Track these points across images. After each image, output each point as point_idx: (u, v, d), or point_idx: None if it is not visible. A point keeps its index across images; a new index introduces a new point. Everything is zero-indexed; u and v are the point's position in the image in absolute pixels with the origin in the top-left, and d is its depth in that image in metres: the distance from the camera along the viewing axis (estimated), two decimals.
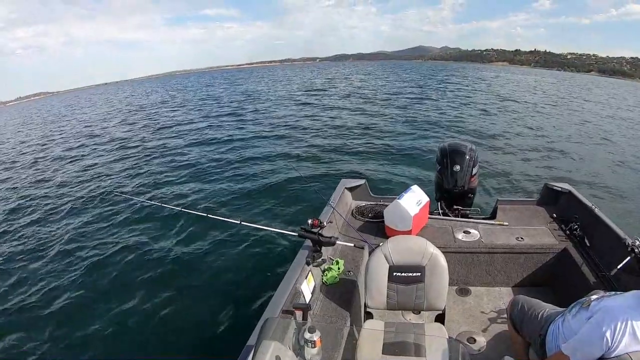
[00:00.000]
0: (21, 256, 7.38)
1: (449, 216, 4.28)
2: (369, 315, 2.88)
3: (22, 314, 5.57)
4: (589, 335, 1.92)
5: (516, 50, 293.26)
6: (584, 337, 1.94)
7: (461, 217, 4.25)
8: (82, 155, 16.18)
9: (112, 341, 4.75)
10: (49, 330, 5.04)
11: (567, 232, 3.71)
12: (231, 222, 3.64)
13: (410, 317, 3.43)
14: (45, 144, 20.76)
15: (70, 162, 15.38)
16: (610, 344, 1.83)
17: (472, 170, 4.26)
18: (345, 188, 4.69)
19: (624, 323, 1.81)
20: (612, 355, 1.84)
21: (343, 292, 3.04)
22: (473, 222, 4.11)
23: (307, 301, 2.83)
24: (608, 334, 1.82)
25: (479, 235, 3.83)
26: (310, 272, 3.03)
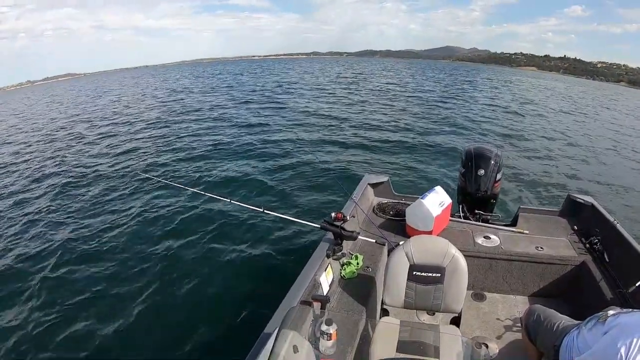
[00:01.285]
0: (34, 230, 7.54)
1: (470, 220, 4.25)
2: (385, 312, 2.90)
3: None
4: (603, 351, 1.89)
5: (545, 55, 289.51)
6: (599, 352, 1.91)
7: (482, 221, 4.22)
8: (110, 135, 16.38)
9: (129, 323, 4.80)
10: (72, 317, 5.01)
11: (587, 245, 3.67)
12: (254, 209, 3.68)
13: (425, 318, 3.43)
14: (72, 123, 21.11)
15: (98, 140, 15.59)
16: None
17: (496, 175, 4.22)
18: (369, 184, 4.70)
19: (639, 340, 1.77)
20: None
21: (360, 288, 3.05)
22: (494, 227, 4.10)
23: (325, 293, 2.86)
24: (623, 350, 1.78)
25: (498, 242, 3.82)
26: (329, 265, 3.06)
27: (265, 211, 3.60)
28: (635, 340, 1.75)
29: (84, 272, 5.94)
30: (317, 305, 2.55)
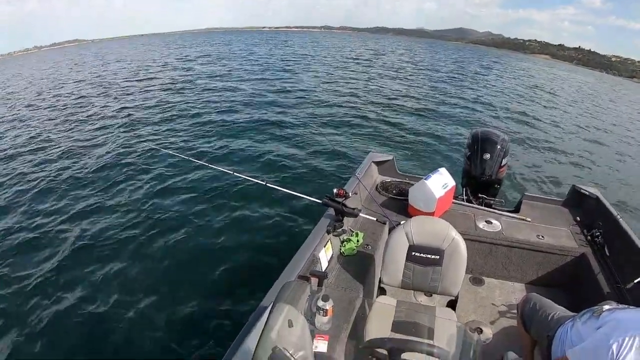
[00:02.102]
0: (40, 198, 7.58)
1: (473, 203, 4.23)
2: (382, 291, 2.91)
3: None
4: (595, 345, 1.89)
5: (560, 44, 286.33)
6: (590, 346, 1.91)
7: (485, 206, 4.20)
8: (119, 105, 16.26)
9: (134, 293, 4.84)
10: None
11: (589, 237, 3.65)
12: (256, 182, 3.67)
13: (422, 299, 3.44)
14: (80, 89, 21.09)
15: (107, 109, 15.53)
16: (615, 357, 1.78)
17: (501, 160, 4.19)
18: (373, 162, 4.67)
19: (632, 338, 1.76)
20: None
21: (359, 265, 3.05)
22: (496, 212, 4.07)
23: (324, 269, 2.86)
24: (614, 347, 1.78)
25: (500, 227, 3.80)
26: (329, 241, 3.05)
27: (267, 184, 3.59)
28: (627, 338, 1.74)
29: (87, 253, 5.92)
30: (314, 280, 2.55)
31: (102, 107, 15.81)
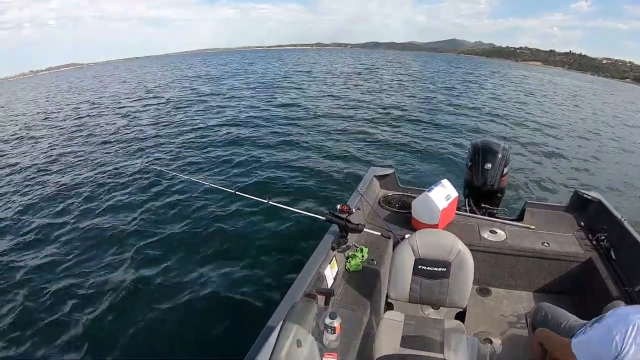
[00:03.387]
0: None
1: (476, 214, 4.22)
2: (389, 306, 2.88)
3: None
4: (599, 337, 1.87)
5: (550, 50, 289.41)
6: (594, 338, 1.89)
7: (488, 216, 4.20)
8: (115, 125, 16.35)
9: (126, 317, 4.79)
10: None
11: (594, 242, 3.63)
12: (259, 200, 3.65)
13: (429, 312, 3.41)
14: (76, 112, 21.11)
15: (103, 130, 15.61)
16: (619, 348, 1.76)
17: (503, 169, 4.19)
18: (374, 176, 4.66)
19: (635, 328, 1.74)
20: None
21: (365, 281, 3.03)
22: (500, 222, 4.06)
23: (330, 286, 2.84)
24: (618, 338, 1.76)
25: (505, 236, 3.78)
26: (334, 258, 3.03)
27: (270, 202, 3.57)
28: (630, 328, 1.73)
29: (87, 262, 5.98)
30: (321, 298, 2.53)
31: (104, 127, 15.97)
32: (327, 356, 2.09)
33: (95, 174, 10.05)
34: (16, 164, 11.67)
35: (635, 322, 1.73)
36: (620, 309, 1.90)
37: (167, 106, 20.29)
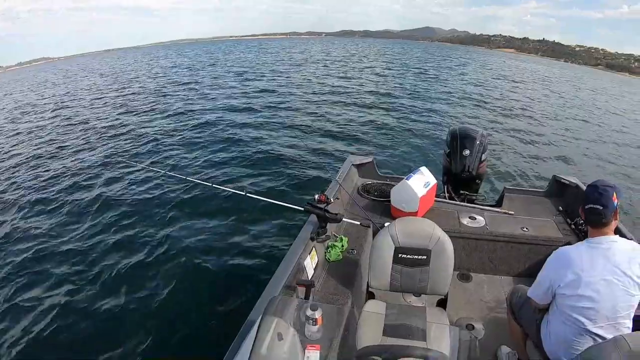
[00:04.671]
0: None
1: (455, 200, 4.25)
2: (370, 295, 2.86)
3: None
4: (539, 274, 2.28)
5: (524, 38, 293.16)
6: (539, 277, 2.28)
7: (467, 202, 4.22)
8: (86, 121, 15.80)
9: (113, 316, 4.65)
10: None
11: (572, 226, 3.69)
12: (236, 192, 3.60)
13: (411, 300, 3.40)
14: (52, 108, 20.47)
15: (74, 126, 15.10)
16: (549, 272, 2.18)
17: (481, 156, 4.21)
18: (353, 164, 4.64)
19: (558, 252, 2.18)
20: (558, 285, 2.11)
21: (346, 270, 3.02)
22: (479, 208, 4.07)
23: (310, 277, 2.83)
24: (549, 264, 2.21)
25: (484, 222, 3.80)
26: (314, 248, 3.01)
27: (247, 194, 3.53)
28: (555, 254, 2.22)
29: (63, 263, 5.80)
30: (301, 290, 2.50)
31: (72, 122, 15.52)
32: (310, 348, 2.06)
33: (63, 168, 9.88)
34: None
35: (560, 250, 2.21)
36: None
37: (141, 97, 19.92)
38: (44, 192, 8.40)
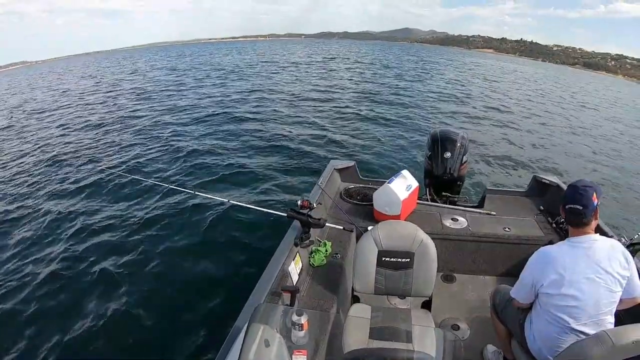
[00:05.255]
0: None
1: (438, 202, 4.26)
2: (355, 299, 2.87)
3: None
4: (521, 274, 2.30)
5: (502, 38, 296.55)
6: (522, 276, 2.30)
7: (449, 204, 4.24)
8: (64, 126, 15.61)
9: (94, 331, 4.53)
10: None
11: (554, 225, 3.74)
12: (219, 199, 3.60)
13: (396, 302, 3.42)
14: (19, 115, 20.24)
15: (55, 132, 14.90)
16: (532, 272, 2.20)
17: (462, 158, 4.25)
18: (335, 169, 4.65)
19: (540, 252, 2.22)
20: (541, 284, 2.14)
21: (330, 275, 3.03)
22: (461, 209, 4.10)
23: (295, 283, 2.83)
24: (531, 264, 2.24)
25: (466, 223, 3.83)
26: (298, 254, 3.01)
27: (230, 202, 3.53)
28: (536, 253, 2.25)
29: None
30: (286, 296, 2.50)
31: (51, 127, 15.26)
32: (297, 354, 2.06)
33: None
34: None
35: (542, 249, 2.24)
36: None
37: (116, 105, 19.55)
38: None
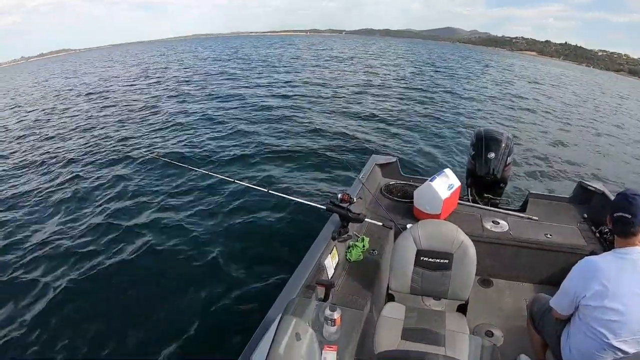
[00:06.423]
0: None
1: (479, 204, 4.18)
2: (390, 297, 2.83)
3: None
4: (563, 284, 2.22)
5: (546, 41, 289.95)
6: (564, 286, 2.21)
7: (491, 206, 4.15)
8: (114, 113, 16.03)
9: (125, 305, 4.70)
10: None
11: (597, 234, 3.59)
12: (258, 189, 3.60)
13: (430, 303, 3.37)
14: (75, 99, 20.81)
15: (103, 118, 15.33)
16: (575, 282, 2.12)
17: (506, 159, 4.16)
18: (376, 164, 4.63)
19: (584, 262, 2.13)
20: (583, 295, 2.04)
21: (366, 271, 3.00)
22: (502, 212, 4.01)
23: (330, 277, 2.82)
24: (574, 274, 2.16)
25: (507, 227, 3.73)
26: (335, 248, 3.00)
27: (270, 191, 3.53)
28: (583, 262, 2.15)
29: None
30: (321, 289, 2.48)
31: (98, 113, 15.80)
32: (327, 349, 2.04)
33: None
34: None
35: (587, 259, 2.14)
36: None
37: (164, 92, 20.05)
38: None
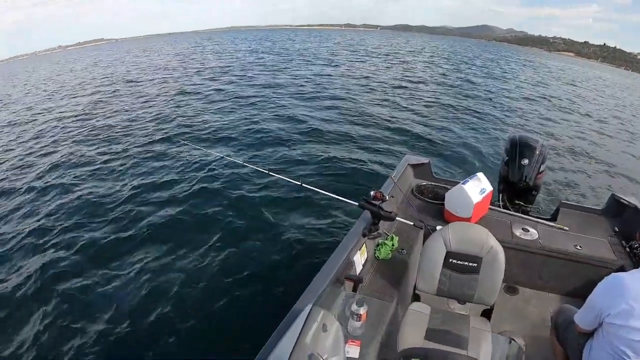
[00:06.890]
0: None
1: (510, 210, 4.15)
2: (416, 297, 2.86)
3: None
4: (588, 299, 2.17)
5: (585, 42, 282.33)
6: (589, 301, 2.16)
7: (522, 213, 4.11)
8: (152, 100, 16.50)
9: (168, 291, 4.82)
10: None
11: (627, 249, 3.52)
12: (292, 182, 3.64)
13: (455, 307, 3.36)
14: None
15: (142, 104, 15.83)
16: (601, 299, 2.07)
17: (540, 166, 4.10)
18: (409, 164, 4.63)
19: (611, 279, 2.07)
20: (608, 313, 2.01)
21: (393, 270, 3.04)
22: (533, 220, 3.97)
23: (358, 273, 2.86)
24: (600, 290, 2.10)
25: (537, 235, 3.70)
26: (364, 244, 3.04)
27: (303, 185, 3.57)
28: (610, 278, 2.09)
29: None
30: (349, 284, 2.53)
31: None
32: (351, 343, 2.09)
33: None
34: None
35: (615, 276, 2.06)
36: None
37: (208, 82, 20.41)
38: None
